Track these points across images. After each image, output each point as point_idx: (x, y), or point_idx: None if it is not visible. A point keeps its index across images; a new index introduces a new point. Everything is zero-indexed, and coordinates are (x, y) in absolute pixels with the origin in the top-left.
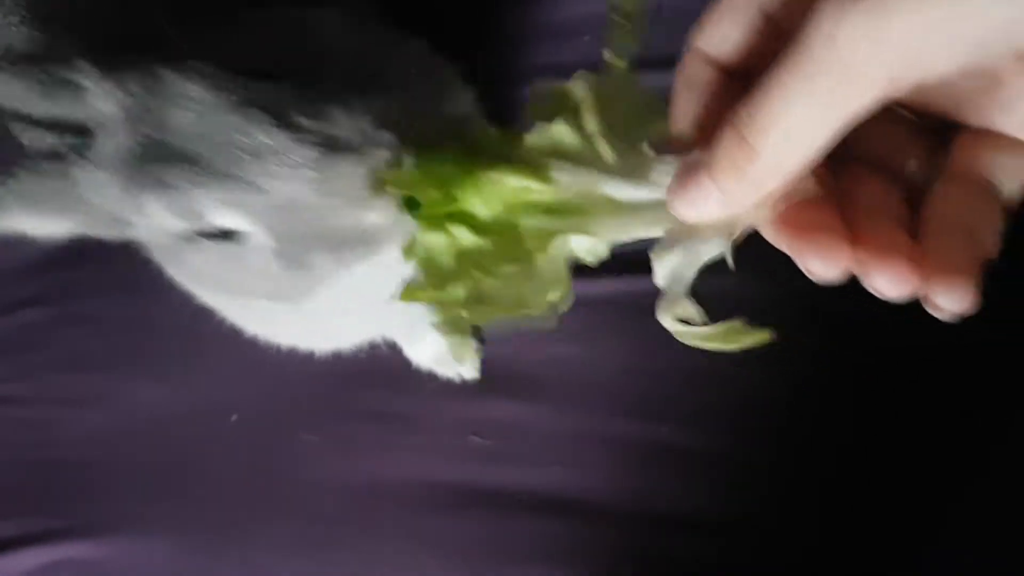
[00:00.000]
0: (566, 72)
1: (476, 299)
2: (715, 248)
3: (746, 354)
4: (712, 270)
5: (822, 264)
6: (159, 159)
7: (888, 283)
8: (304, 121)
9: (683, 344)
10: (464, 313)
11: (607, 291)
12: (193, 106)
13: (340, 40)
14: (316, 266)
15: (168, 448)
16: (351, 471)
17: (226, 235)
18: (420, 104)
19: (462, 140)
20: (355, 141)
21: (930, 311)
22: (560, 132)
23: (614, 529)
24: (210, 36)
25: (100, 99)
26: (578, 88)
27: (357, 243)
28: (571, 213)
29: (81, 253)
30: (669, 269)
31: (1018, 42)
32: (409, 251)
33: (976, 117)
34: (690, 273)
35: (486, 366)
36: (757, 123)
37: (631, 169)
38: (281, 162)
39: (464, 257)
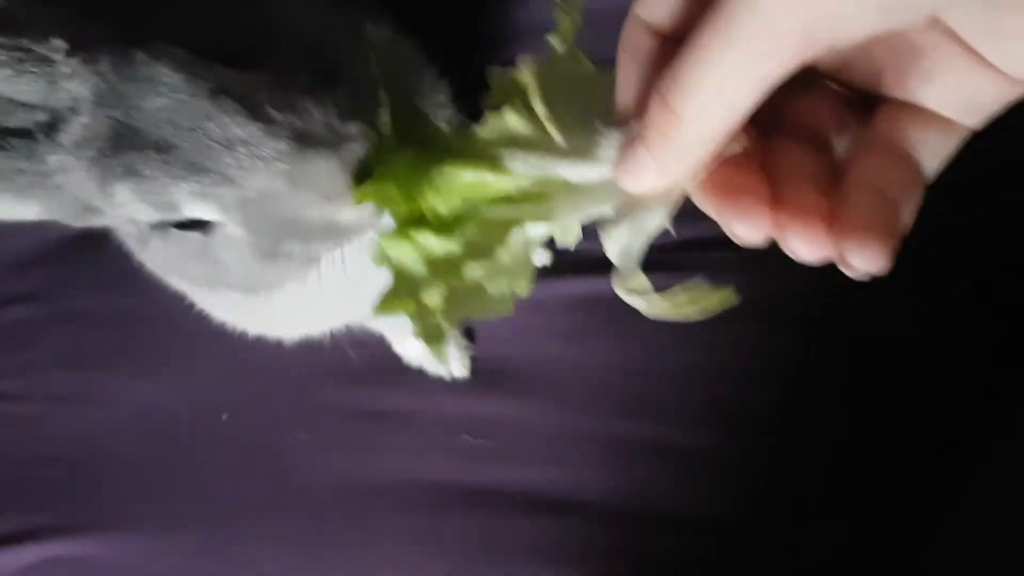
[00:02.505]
0: None
1: (450, 303)
2: (658, 218)
3: (744, 353)
4: (709, 274)
5: (743, 226)
6: (130, 146)
7: (803, 245)
8: (276, 113)
9: (678, 344)
10: (441, 320)
11: (601, 291)
12: (165, 92)
13: (305, 25)
14: (287, 257)
15: (160, 445)
16: (342, 469)
17: (198, 225)
18: (390, 94)
19: (419, 134)
20: (326, 134)
21: (843, 270)
22: (510, 120)
23: (608, 528)
24: (167, 12)
25: (73, 80)
26: (525, 74)
27: (327, 235)
28: (529, 200)
29: (72, 249)
30: (619, 244)
31: (926, 7)
32: (379, 261)
33: (898, 89)
34: (639, 245)
35: (479, 365)
36: (680, 87)
37: (582, 149)
38: (253, 154)
39: (434, 263)
